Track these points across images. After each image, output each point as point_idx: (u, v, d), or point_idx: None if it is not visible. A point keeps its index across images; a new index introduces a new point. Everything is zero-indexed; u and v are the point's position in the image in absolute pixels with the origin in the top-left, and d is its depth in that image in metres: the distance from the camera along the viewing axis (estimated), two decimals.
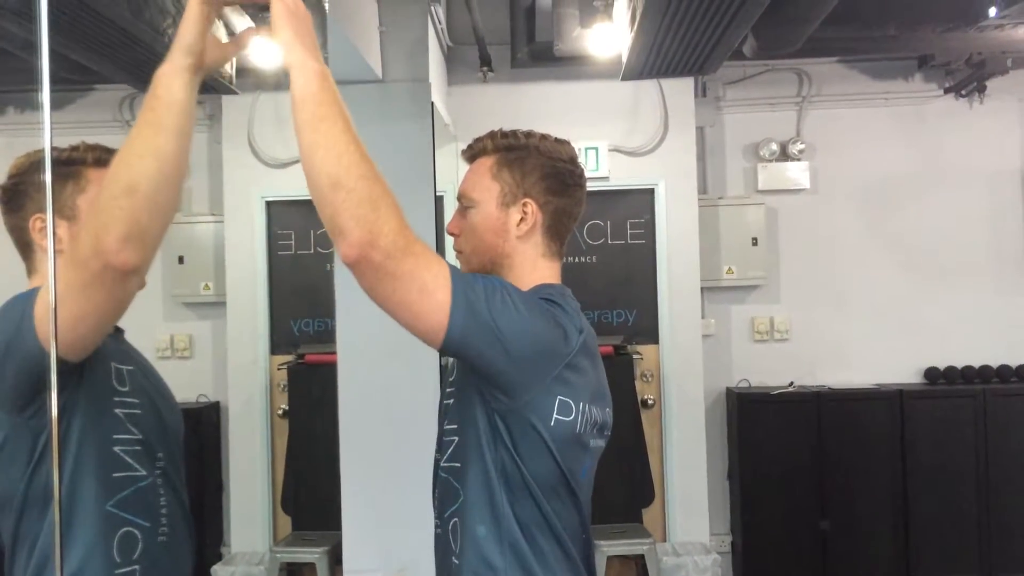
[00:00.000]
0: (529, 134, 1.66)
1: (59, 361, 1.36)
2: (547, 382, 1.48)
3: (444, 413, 1.65)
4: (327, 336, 4.95)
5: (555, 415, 1.49)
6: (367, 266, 1.35)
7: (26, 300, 1.49)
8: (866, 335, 5.43)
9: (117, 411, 1.60)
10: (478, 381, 1.50)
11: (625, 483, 5.05)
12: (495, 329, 1.42)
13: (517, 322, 1.45)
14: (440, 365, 3.60)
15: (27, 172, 1.64)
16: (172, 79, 1.42)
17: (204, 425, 5.24)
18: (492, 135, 1.68)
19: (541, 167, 1.63)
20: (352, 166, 1.35)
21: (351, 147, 1.37)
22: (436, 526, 1.63)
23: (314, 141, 1.37)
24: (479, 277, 1.48)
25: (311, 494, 5.08)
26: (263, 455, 5.25)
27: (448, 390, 1.65)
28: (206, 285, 5.39)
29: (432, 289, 1.39)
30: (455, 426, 1.59)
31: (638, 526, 5.02)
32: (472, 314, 1.41)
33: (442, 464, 1.62)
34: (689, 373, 5.19)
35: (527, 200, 1.62)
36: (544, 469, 1.50)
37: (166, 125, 1.40)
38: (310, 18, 1.46)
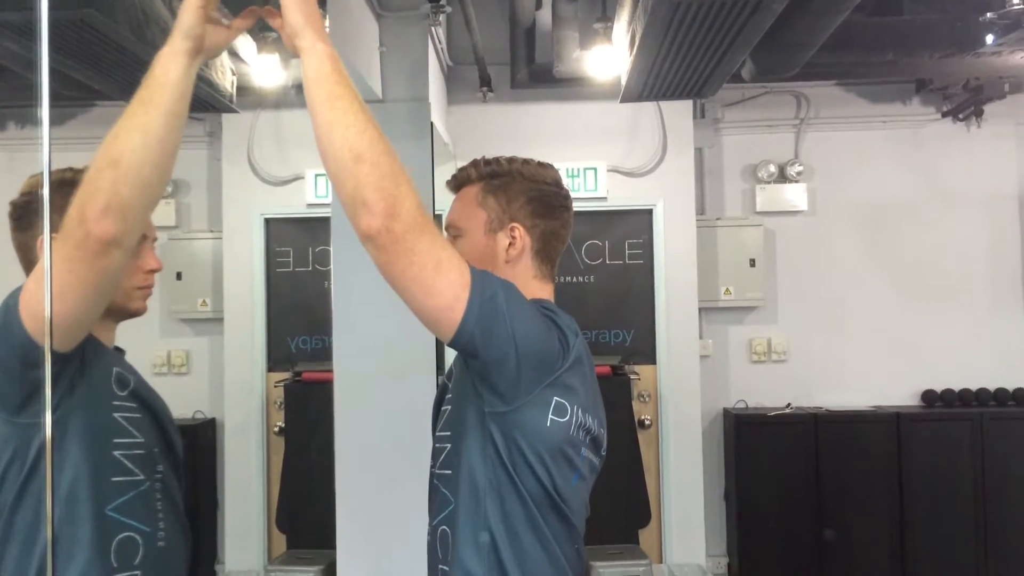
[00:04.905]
0: (512, 160, 1.68)
1: (51, 353, 1.34)
2: (545, 384, 1.48)
3: (439, 422, 1.66)
4: (324, 354, 4.94)
5: (551, 415, 1.49)
6: (387, 238, 1.35)
7: (10, 296, 1.49)
8: (863, 357, 5.43)
9: (117, 415, 1.59)
10: (477, 384, 1.50)
11: (621, 504, 5.04)
12: (509, 321, 1.42)
13: (527, 319, 1.46)
14: (437, 383, 3.60)
15: (39, 190, 1.64)
16: (168, 60, 1.45)
17: (200, 442, 5.22)
18: (475, 163, 1.69)
19: (526, 191, 1.65)
20: (374, 141, 1.37)
21: (370, 124, 1.39)
22: (428, 533, 1.63)
23: (333, 119, 1.39)
24: (490, 272, 1.49)
25: (306, 512, 5.06)
26: (259, 472, 5.23)
27: (447, 396, 1.65)
28: (204, 301, 5.39)
29: (448, 268, 1.39)
30: (448, 433, 1.60)
31: (634, 547, 5.00)
32: (490, 302, 1.41)
33: (435, 472, 1.63)
34: (686, 394, 5.19)
35: (514, 224, 1.64)
36: (533, 476, 1.50)
37: (156, 103, 1.42)
38: (316, 3, 1.48)
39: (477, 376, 1.49)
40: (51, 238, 1.28)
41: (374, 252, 1.38)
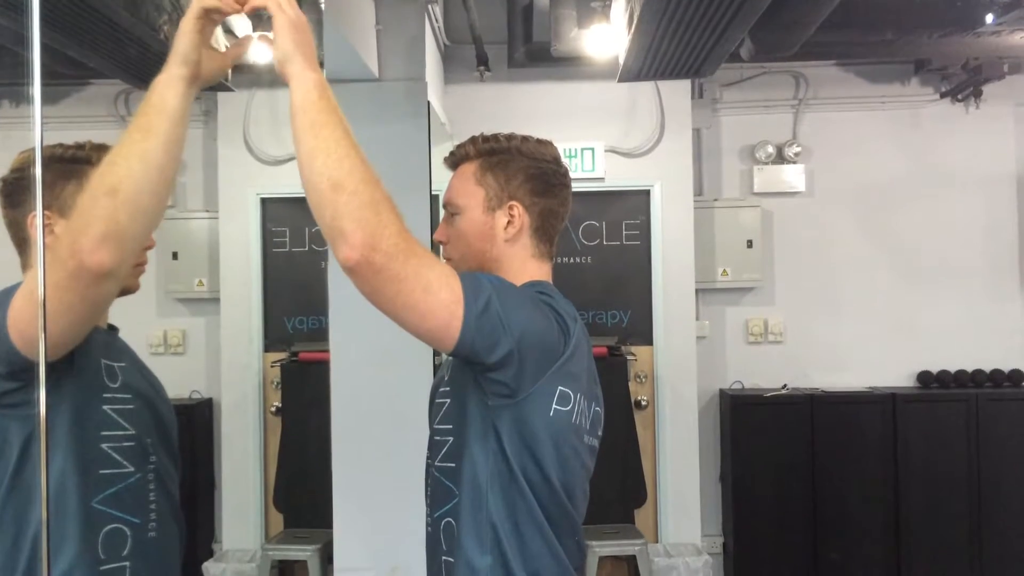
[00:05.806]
0: (511, 136, 1.66)
1: (35, 359, 1.33)
2: (549, 374, 1.48)
3: (437, 414, 1.64)
4: (321, 334, 4.93)
5: (554, 405, 1.49)
6: (368, 269, 1.33)
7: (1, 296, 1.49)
8: (860, 338, 5.44)
9: (106, 407, 1.59)
10: (478, 380, 1.49)
11: (618, 484, 5.06)
12: (506, 326, 1.42)
13: (524, 318, 1.45)
14: (433, 364, 3.60)
15: (29, 167, 1.63)
16: (166, 87, 1.44)
17: (197, 421, 5.23)
18: (474, 140, 1.67)
19: (525, 169, 1.63)
20: (354, 170, 1.34)
21: (352, 152, 1.36)
22: (427, 524, 1.63)
23: (314, 146, 1.36)
24: (481, 275, 1.48)
25: (303, 492, 5.08)
26: (256, 452, 5.24)
27: (442, 389, 1.64)
28: (200, 281, 5.38)
29: (437, 288, 1.37)
30: (449, 426, 1.59)
31: (630, 527, 5.03)
32: (484, 311, 1.40)
33: (435, 465, 1.61)
34: (683, 375, 5.19)
35: (513, 203, 1.62)
36: (536, 468, 1.50)
37: (155, 131, 1.40)
38: (311, 30, 1.47)
39: (479, 372, 1.48)
40: (44, 216, 1.27)
41: (358, 283, 1.36)
